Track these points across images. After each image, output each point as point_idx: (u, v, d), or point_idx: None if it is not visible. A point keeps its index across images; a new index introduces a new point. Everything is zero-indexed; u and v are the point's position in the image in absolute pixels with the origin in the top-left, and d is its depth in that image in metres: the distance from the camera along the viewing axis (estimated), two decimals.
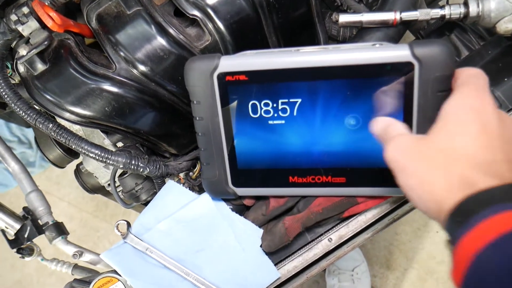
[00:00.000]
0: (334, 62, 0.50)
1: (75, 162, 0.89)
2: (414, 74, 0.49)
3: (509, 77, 0.62)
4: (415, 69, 0.48)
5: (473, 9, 0.60)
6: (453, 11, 0.61)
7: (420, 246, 1.39)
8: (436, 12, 0.61)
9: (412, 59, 0.48)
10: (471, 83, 0.42)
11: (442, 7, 0.61)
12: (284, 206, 0.59)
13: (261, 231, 0.61)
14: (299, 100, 0.53)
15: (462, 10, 0.60)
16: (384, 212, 0.60)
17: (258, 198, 0.63)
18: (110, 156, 0.61)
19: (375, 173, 0.55)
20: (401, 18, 0.61)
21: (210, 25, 0.59)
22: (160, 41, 0.59)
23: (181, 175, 0.72)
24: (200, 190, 0.69)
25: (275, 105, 0.54)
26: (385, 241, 1.42)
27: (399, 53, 0.48)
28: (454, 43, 0.71)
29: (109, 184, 0.77)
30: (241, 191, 0.60)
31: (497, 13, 0.59)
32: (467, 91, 0.41)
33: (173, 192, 0.65)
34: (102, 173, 0.76)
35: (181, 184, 0.66)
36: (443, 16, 0.61)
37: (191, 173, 0.73)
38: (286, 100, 0.53)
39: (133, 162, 0.63)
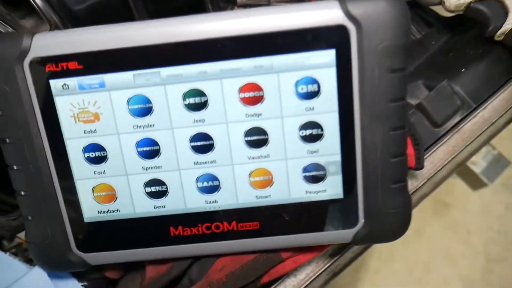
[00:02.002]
0: (220, 33, 0.31)
1: None
2: (350, 44, 0.30)
3: (467, 68, 0.47)
4: (351, 37, 0.30)
5: None
6: None
7: None
8: None
9: (346, 20, 0.30)
10: None
11: None
12: (168, 276, 0.37)
13: None
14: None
15: None
16: (322, 268, 0.40)
17: (128, 266, 0.40)
18: None
19: (306, 209, 0.35)
20: None
21: (49, 11, 0.40)
22: None
23: (23, 236, 0.48)
24: None
25: None
26: None
27: (324, 12, 0.30)
28: None
29: None
30: (94, 257, 0.36)
31: None
32: None
33: None
34: None
35: (6, 252, 0.41)
36: None
37: None
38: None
39: None
